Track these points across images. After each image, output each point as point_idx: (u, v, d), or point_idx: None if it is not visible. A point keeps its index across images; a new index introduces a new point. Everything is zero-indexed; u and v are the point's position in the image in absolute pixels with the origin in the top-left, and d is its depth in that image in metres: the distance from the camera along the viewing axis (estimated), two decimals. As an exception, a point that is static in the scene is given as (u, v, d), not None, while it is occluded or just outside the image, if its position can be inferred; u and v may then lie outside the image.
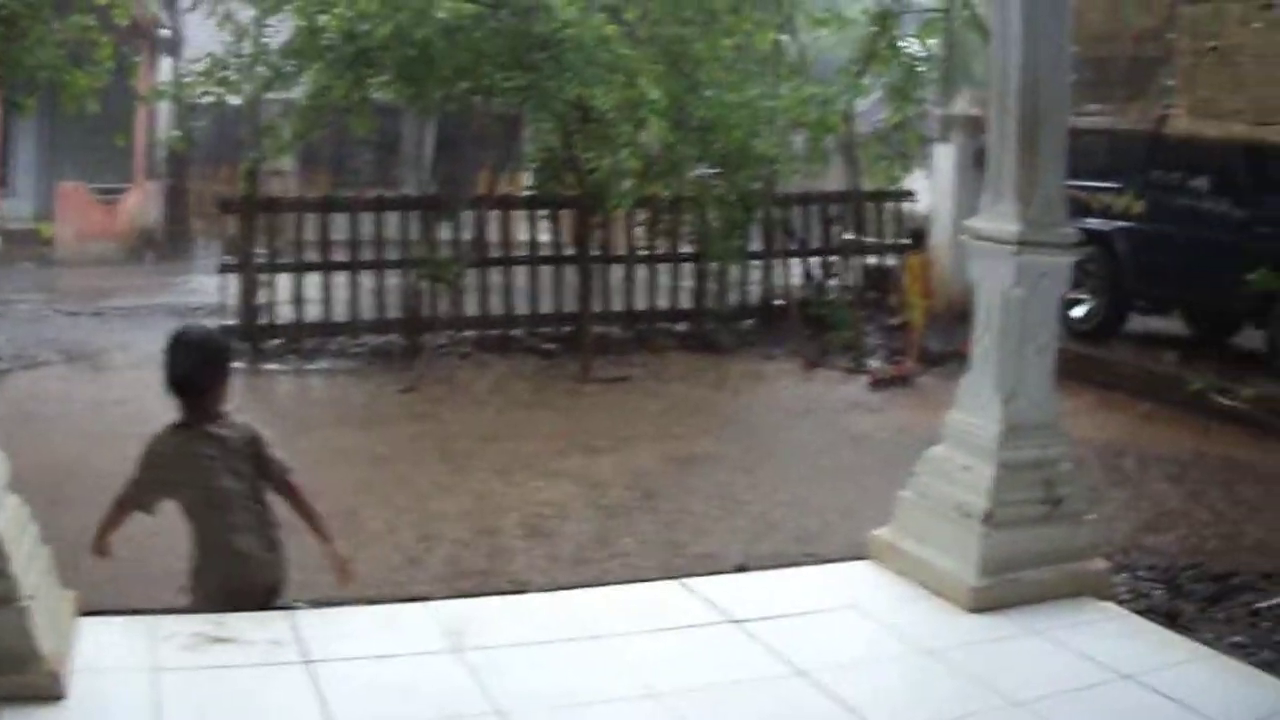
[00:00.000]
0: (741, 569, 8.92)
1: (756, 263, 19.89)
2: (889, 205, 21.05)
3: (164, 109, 28.12)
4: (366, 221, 18.06)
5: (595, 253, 18.38)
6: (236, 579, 6.55)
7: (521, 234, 19.03)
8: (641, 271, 19.23)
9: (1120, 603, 7.94)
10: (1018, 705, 6.13)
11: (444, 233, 18.45)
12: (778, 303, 19.95)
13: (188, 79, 18.45)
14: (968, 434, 7.71)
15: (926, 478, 7.93)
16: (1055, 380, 7.80)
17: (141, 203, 29.58)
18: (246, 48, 17.56)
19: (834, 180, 20.96)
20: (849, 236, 20.39)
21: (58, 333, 18.38)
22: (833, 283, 20.13)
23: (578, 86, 15.56)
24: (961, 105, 20.88)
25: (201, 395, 6.52)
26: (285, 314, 17.72)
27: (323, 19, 16.04)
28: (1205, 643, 7.36)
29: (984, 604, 7.22)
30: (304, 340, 17.53)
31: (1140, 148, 17.38)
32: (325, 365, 16.88)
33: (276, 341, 17.40)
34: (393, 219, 18.31)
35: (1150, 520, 10.75)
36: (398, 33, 15.20)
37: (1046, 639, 6.94)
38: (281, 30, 17.21)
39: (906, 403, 15.19)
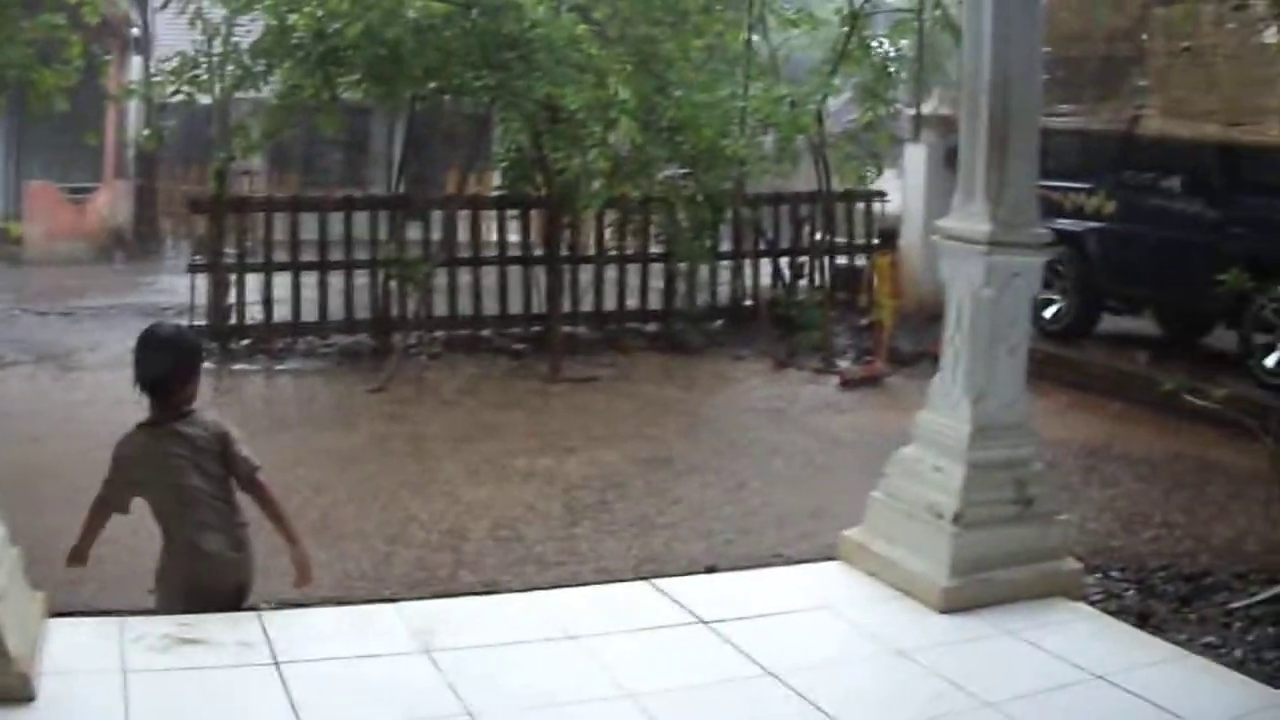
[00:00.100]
0: (712, 570, 8.90)
1: (726, 263, 19.86)
2: (860, 205, 21.05)
3: (134, 108, 28.21)
4: (336, 221, 17.98)
5: (564, 253, 18.33)
6: (203, 578, 6.52)
7: (491, 234, 18.99)
8: (611, 272, 19.18)
9: (1092, 603, 7.96)
10: (989, 706, 6.14)
11: (413, 233, 18.40)
12: (747, 303, 19.95)
13: (158, 78, 18.46)
14: (938, 434, 7.72)
15: (897, 478, 7.94)
16: (1026, 380, 7.81)
17: (111, 202, 29.50)
18: (217, 47, 17.55)
19: (805, 180, 20.94)
20: (819, 236, 20.37)
21: (26, 333, 18.29)
22: (802, 283, 20.11)
23: (547, 86, 15.55)
24: (933, 105, 20.92)
25: (171, 394, 6.49)
26: (254, 314, 17.66)
27: (293, 18, 15.99)
28: (1178, 643, 7.38)
29: (955, 604, 7.23)
30: (273, 340, 17.44)
31: (1112, 148, 17.39)
32: (294, 365, 16.80)
33: (245, 342, 17.30)
34: (362, 219, 18.21)
35: (1122, 520, 10.74)
36: (368, 32, 15.14)
37: (1018, 639, 6.95)
38: (252, 29, 17.17)
39: (876, 403, 15.19)
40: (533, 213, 18.97)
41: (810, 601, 7.48)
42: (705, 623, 7.01)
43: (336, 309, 17.85)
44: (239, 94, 18.10)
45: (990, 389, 7.58)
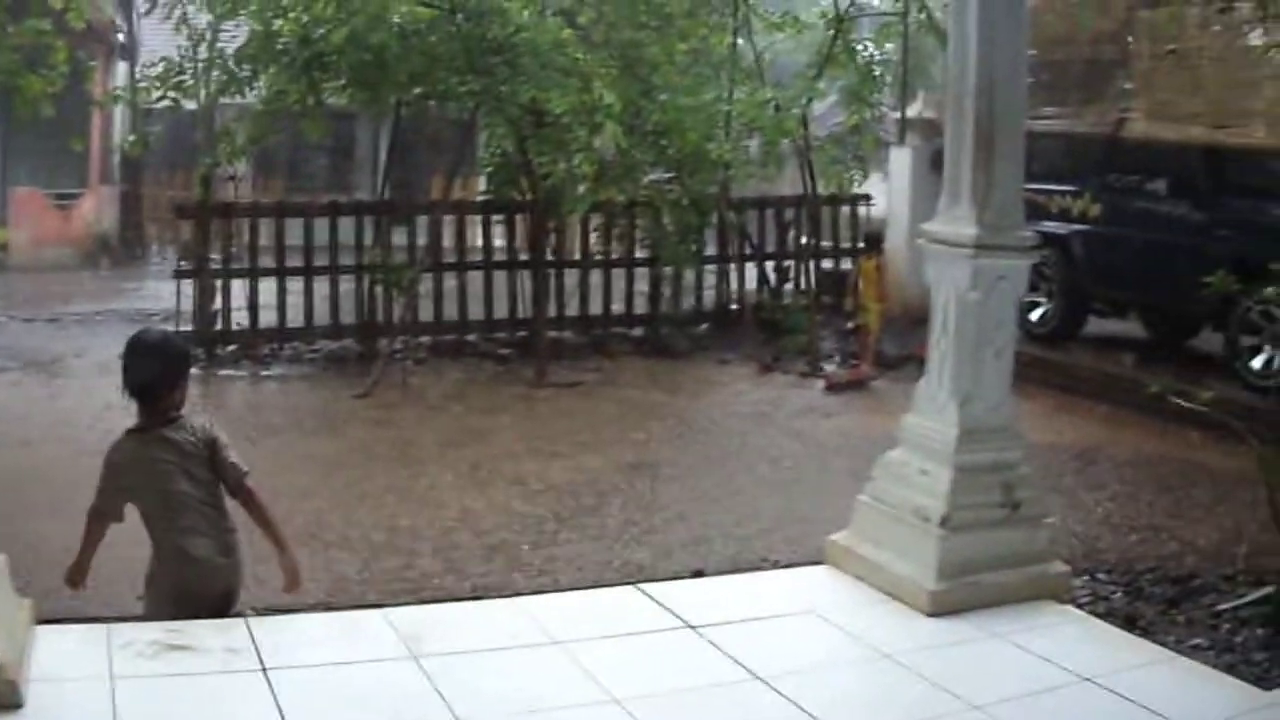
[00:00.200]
0: (699, 574, 8.92)
1: (711, 267, 19.84)
2: (845, 209, 21.04)
3: (119, 114, 28.15)
4: (321, 227, 17.94)
5: (550, 258, 18.36)
6: (192, 583, 6.51)
7: (476, 239, 18.98)
8: (596, 276, 19.18)
9: (1080, 606, 7.96)
10: (977, 709, 6.13)
11: (398, 238, 18.35)
12: (733, 307, 19.93)
13: (143, 83, 18.43)
14: (925, 438, 7.72)
15: (883, 482, 7.94)
16: (1013, 383, 7.81)
17: (97, 208, 29.48)
18: (202, 52, 17.55)
19: (790, 184, 20.94)
20: (804, 240, 20.36)
21: (13, 339, 18.26)
22: (788, 287, 20.11)
23: (532, 91, 15.54)
24: (918, 108, 20.96)
25: (159, 399, 6.48)
26: (240, 320, 17.62)
27: (278, 23, 15.99)
28: (1166, 645, 7.38)
29: (942, 608, 7.23)
30: (259, 346, 17.44)
31: (1098, 151, 17.42)
32: (280, 371, 16.78)
33: (232, 347, 17.29)
34: (347, 224, 18.20)
35: (1110, 523, 10.75)
36: (353, 37, 15.11)
37: (1006, 642, 6.95)
38: (237, 35, 17.17)
39: (862, 407, 15.18)
40: (518, 217, 18.91)
41: (797, 605, 7.48)
42: (692, 627, 7.01)
43: (322, 314, 17.83)
44: (224, 99, 18.03)
45: (977, 392, 7.58)
